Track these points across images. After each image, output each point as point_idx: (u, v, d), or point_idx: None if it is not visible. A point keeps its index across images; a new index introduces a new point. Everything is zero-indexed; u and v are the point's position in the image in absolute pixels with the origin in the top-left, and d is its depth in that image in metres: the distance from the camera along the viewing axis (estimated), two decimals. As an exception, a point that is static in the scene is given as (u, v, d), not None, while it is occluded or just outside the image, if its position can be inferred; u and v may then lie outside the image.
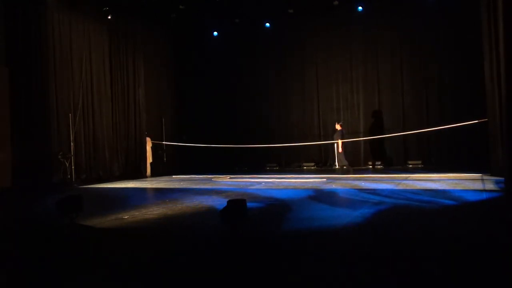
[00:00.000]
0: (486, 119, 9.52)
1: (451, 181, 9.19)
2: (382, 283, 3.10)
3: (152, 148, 14.77)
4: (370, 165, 14.54)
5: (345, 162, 12.27)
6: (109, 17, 13.43)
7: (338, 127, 12.39)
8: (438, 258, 3.61)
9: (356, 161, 14.49)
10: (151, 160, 14.64)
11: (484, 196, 6.89)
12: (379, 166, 14.31)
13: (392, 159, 14.41)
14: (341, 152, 12.19)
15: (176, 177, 13.38)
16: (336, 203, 6.93)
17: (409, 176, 10.66)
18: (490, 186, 7.90)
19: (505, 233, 4.48)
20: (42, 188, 10.43)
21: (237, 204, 4.72)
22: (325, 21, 15.30)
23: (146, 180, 12.84)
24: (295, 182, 10.62)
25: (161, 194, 9.38)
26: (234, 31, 16.28)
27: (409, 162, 14.01)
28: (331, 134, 14.71)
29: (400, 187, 8.53)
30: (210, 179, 12.06)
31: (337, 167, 12.47)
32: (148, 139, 14.63)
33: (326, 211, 6.08)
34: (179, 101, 16.54)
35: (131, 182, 12.13)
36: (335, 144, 12.37)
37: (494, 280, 3.04)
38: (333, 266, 3.55)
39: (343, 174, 12.03)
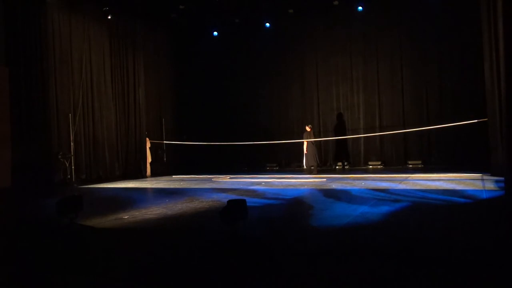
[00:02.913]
0: (486, 119, 9.52)
1: (451, 180, 9.19)
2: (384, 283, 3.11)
3: (151, 148, 14.75)
4: (339, 165, 14.91)
5: (313, 163, 12.64)
6: (109, 17, 13.43)
7: (307, 129, 12.76)
8: (439, 258, 3.61)
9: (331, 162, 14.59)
10: (150, 160, 14.64)
11: (484, 195, 6.89)
12: (346, 167, 14.71)
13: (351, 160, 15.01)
14: (306, 153, 12.65)
15: (176, 177, 13.37)
16: (335, 202, 6.91)
17: (409, 176, 10.67)
18: (490, 186, 7.90)
19: (505, 233, 4.48)
20: (42, 188, 10.43)
21: (238, 204, 4.72)
22: (325, 21, 15.29)
23: (146, 180, 12.83)
24: (295, 182, 10.62)
25: (161, 194, 9.38)
26: (234, 31, 16.27)
27: (409, 162, 14.01)
28: (333, 132, 14.89)
29: (401, 186, 8.53)
30: (210, 179, 12.06)
31: (305, 167, 13.08)
32: (147, 139, 14.62)
33: (327, 211, 6.07)
34: (179, 101, 16.52)
35: (131, 182, 12.13)
36: (304, 146, 12.78)
37: (495, 281, 3.05)
38: (336, 267, 3.55)
39: (310, 174, 12.45)
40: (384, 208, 6.00)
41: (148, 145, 14.65)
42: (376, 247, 4.06)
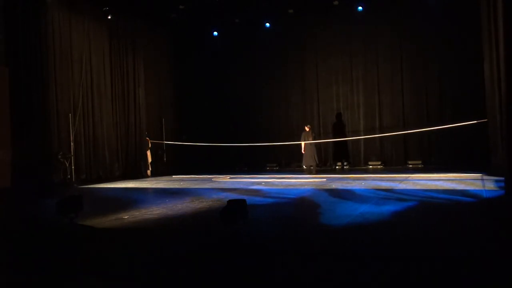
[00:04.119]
0: (486, 120, 9.52)
1: (451, 180, 9.19)
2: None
3: (151, 148, 14.73)
4: (339, 165, 14.89)
5: (312, 163, 12.75)
6: (109, 17, 13.42)
7: (306, 129, 12.94)
8: (439, 258, 3.61)
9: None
10: (150, 160, 14.62)
11: (484, 195, 6.89)
12: (346, 167, 14.72)
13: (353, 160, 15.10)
14: (304, 153, 12.81)
15: (176, 177, 13.37)
16: (336, 202, 6.91)
17: (409, 176, 10.67)
18: (490, 186, 7.90)
19: (505, 232, 4.47)
20: (42, 188, 10.42)
21: (238, 204, 4.72)
22: (325, 21, 15.29)
23: (146, 180, 12.83)
24: (295, 182, 10.62)
25: (161, 194, 9.38)
26: (234, 31, 16.26)
27: (409, 162, 14.02)
28: (332, 132, 15.09)
29: (401, 186, 8.53)
30: (210, 179, 12.05)
31: (304, 167, 13.22)
32: (147, 139, 14.61)
33: (327, 210, 6.07)
34: (179, 101, 16.52)
35: (131, 182, 12.12)
36: (301, 146, 12.98)
37: (495, 281, 3.05)
38: (337, 267, 3.55)
39: (309, 174, 12.58)
40: (385, 208, 6.01)
41: (148, 145, 14.63)
42: (376, 247, 4.06)
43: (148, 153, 14.55)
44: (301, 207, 6.94)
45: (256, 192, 8.54)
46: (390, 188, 8.43)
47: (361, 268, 3.45)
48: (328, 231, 4.85)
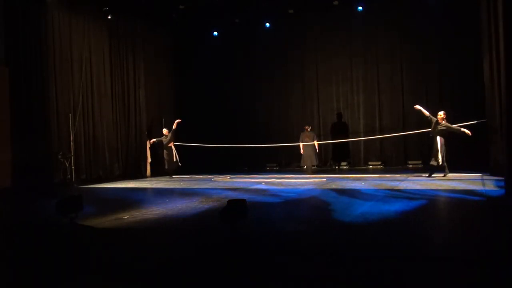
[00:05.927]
0: (486, 119, 9.52)
1: (451, 180, 9.19)
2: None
3: (151, 148, 14.72)
4: (337, 165, 14.75)
5: (309, 163, 12.87)
6: (109, 17, 13.42)
7: (305, 129, 13.08)
8: (439, 258, 3.62)
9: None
10: (150, 160, 14.61)
11: (484, 195, 6.89)
12: (346, 167, 14.69)
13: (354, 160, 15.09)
14: (302, 154, 12.88)
15: (176, 177, 13.37)
16: (336, 201, 6.91)
17: (409, 176, 10.68)
18: (490, 185, 7.91)
19: (505, 233, 4.48)
20: (42, 188, 10.42)
21: (238, 204, 4.72)
22: (325, 21, 15.28)
23: (146, 180, 12.83)
24: (295, 181, 10.62)
25: (161, 194, 9.38)
26: (234, 31, 16.26)
27: (409, 162, 14.02)
28: (332, 132, 14.96)
29: (402, 185, 8.53)
30: (210, 179, 12.06)
31: (304, 167, 13.25)
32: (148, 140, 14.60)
33: (327, 210, 6.07)
34: (179, 101, 16.51)
35: (131, 182, 12.12)
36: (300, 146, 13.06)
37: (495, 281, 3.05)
38: (337, 267, 3.55)
39: (309, 174, 12.66)
40: (386, 207, 6.01)
41: (148, 145, 14.62)
42: (377, 246, 4.06)
43: (148, 153, 14.47)
44: (301, 207, 6.94)
45: (256, 192, 8.54)
46: (390, 187, 8.44)
47: (361, 268, 3.45)
48: (328, 231, 4.84)
